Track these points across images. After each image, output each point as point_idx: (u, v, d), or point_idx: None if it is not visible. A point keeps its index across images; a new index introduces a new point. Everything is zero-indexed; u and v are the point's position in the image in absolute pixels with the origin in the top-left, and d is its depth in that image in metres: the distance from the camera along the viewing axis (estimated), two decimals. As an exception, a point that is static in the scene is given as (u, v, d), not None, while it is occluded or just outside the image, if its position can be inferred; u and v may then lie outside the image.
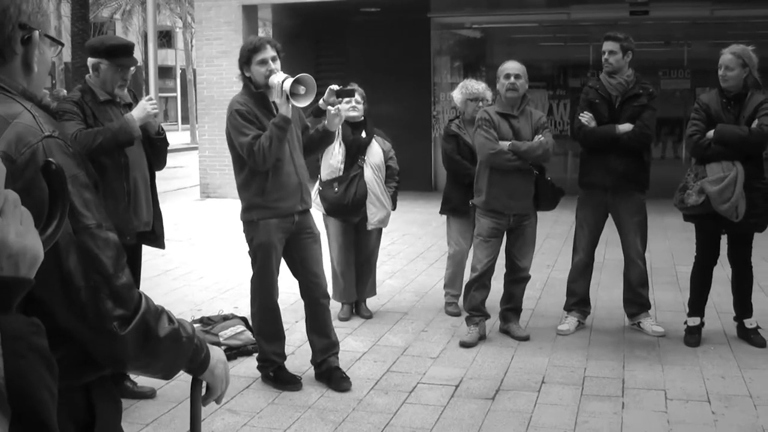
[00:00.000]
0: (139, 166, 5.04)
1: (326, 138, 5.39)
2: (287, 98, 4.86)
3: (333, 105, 5.26)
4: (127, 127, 4.81)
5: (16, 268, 1.26)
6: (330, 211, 6.63)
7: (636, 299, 6.53)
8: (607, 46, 6.29)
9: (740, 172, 5.79)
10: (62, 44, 1.97)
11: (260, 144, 4.89)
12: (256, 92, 5.08)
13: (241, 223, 5.28)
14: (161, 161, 5.30)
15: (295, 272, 5.39)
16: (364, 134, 6.66)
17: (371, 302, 7.21)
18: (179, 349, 1.91)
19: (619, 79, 6.28)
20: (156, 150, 5.20)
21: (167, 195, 15.65)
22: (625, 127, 6.18)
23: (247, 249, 5.27)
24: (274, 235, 5.12)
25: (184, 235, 11.30)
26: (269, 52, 5.02)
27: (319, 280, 5.35)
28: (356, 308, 7.05)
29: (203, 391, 2.10)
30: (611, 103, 6.28)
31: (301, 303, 5.50)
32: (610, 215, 6.49)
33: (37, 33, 1.82)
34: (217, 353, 2.08)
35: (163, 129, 5.23)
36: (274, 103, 5.08)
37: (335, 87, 5.40)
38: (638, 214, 6.41)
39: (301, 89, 4.88)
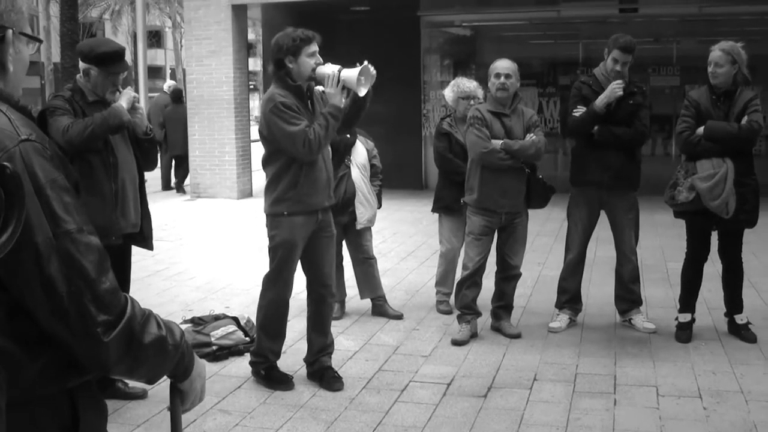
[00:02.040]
0: (128, 167, 5.03)
1: (359, 105, 5.19)
2: (343, 88, 4.93)
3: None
4: (116, 112, 4.82)
5: None
6: None
7: (628, 296, 6.55)
8: (623, 57, 6.20)
9: (730, 169, 5.81)
10: (40, 41, 1.94)
11: (316, 132, 4.88)
12: (294, 85, 5.05)
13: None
14: (151, 162, 5.30)
15: (307, 269, 5.37)
16: (347, 134, 6.65)
17: (358, 301, 7.20)
18: (164, 356, 1.89)
19: (617, 78, 6.25)
20: (144, 151, 5.19)
21: (158, 195, 15.63)
22: (601, 105, 6.13)
23: (268, 244, 5.22)
24: (298, 233, 5.11)
25: (174, 235, 11.27)
26: (317, 46, 5.08)
27: (329, 280, 5.37)
28: (379, 310, 7.01)
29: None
30: None
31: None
32: (602, 212, 6.50)
33: (10, 31, 1.77)
34: (199, 367, 2.06)
35: (151, 129, 5.22)
36: (308, 93, 5.12)
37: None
38: (632, 210, 6.44)
39: (362, 79, 4.95)
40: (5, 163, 1.42)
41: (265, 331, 5.35)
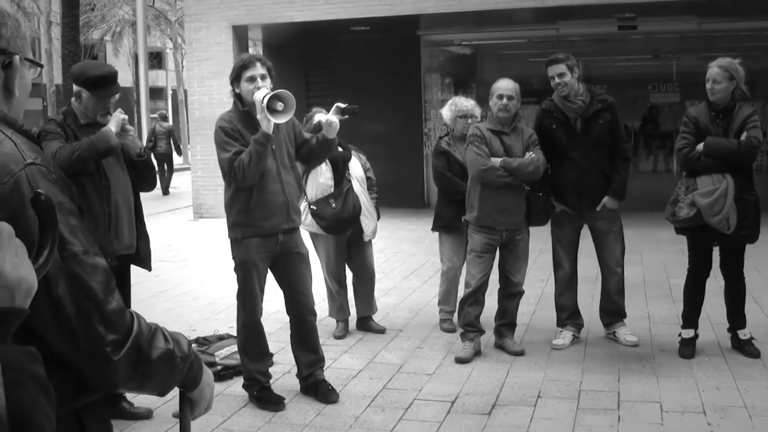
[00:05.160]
0: (121, 189, 5.01)
1: (326, 146, 5.35)
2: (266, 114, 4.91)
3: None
4: (104, 136, 4.79)
5: (12, 299, 1.28)
6: (329, 228, 6.62)
7: (612, 308, 6.59)
8: (554, 70, 6.26)
9: (730, 185, 5.83)
10: (41, 65, 1.97)
11: (240, 160, 4.93)
12: (243, 110, 5.11)
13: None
14: (147, 183, 5.26)
15: (282, 289, 5.43)
16: (340, 149, 6.70)
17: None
18: (173, 368, 1.91)
19: (575, 101, 6.27)
20: (139, 172, 5.16)
21: (160, 216, 15.67)
22: None
23: (233, 266, 5.30)
24: (255, 253, 5.16)
25: (178, 255, 11.29)
26: (258, 70, 5.05)
27: (305, 298, 5.38)
28: (365, 325, 7.09)
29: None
30: (570, 126, 6.29)
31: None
32: (586, 225, 6.54)
33: (17, 57, 1.81)
34: (207, 376, 2.08)
35: (145, 151, 5.21)
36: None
37: (341, 105, 5.50)
38: (615, 224, 6.47)
39: (279, 105, 4.90)
40: (39, 190, 1.45)
41: (246, 353, 5.39)
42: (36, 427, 1.31)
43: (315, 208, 6.59)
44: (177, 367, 1.92)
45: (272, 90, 4.96)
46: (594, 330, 6.85)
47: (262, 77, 5.05)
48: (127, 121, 5.02)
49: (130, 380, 1.82)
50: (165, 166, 20.49)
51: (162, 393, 1.98)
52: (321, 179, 6.61)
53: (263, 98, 4.87)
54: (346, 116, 5.67)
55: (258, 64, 5.08)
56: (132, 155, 5.09)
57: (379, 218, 7.10)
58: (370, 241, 7.00)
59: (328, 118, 5.26)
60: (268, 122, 4.90)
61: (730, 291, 6.27)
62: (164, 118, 20.87)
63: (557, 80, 6.26)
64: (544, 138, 6.34)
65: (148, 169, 5.22)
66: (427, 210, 14.37)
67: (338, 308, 6.96)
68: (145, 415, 5.09)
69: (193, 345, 6.15)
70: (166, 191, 20.62)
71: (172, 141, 20.41)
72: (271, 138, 4.96)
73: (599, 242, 6.53)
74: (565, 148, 6.29)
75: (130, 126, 5.05)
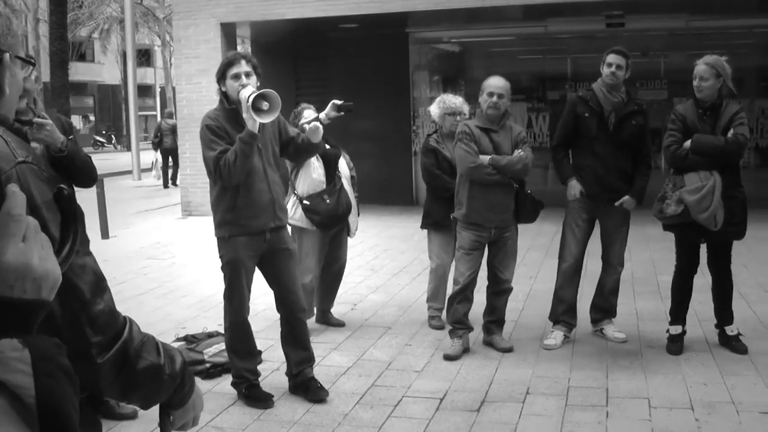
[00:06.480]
0: None
1: (311, 148, 5.45)
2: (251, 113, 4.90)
3: (332, 119, 5.41)
4: None
5: (38, 291, 1.30)
6: (322, 223, 6.64)
7: (604, 305, 6.64)
8: (616, 59, 6.24)
9: (718, 182, 5.85)
10: (33, 64, 1.96)
11: (226, 159, 4.92)
12: (229, 108, 5.10)
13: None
14: (79, 179, 4.81)
15: (272, 286, 5.43)
16: (327, 146, 6.71)
17: (354, 315, 7.24)
18: (158, 384, 1.88)
19: (617, 96, 6.28)
20: (63, 169, 4.61)
21: (149, 213, 15.62)
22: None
23: (220, 265, 5.30)
24: (242, 252, 5.15)
25: (166, 253, 11.27)
26: (243, 67, 5.05)
27: (295, 296, 5.38)
28: (325, 318, 7.16)
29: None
30: (602, 118, 6.30)
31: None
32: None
33: (7, 55, 1.80)
34: (198, 398, 2.06)
35: (66, 145, 4.60)
36: None
37: (337, 102, 5.49)
38: (626, 223, 6.52)
39: (265, 104, 4.88)
40: (63, 186, 1.46)
41: (234, 352, 5.38)
42: (66, 417, 1.33)
43: (308, 203, 6.58)
44: (164, 383, 1.89)
45: (258, 89, 4.95)
46: (582, 327, 6.86)
47: (247, 74, 5.05)
48: (42, 115, 4.52)
49: (113, 386, 1.80)
50: (170, 160, 22.17)
51: (145, 406, 1.96)
52: (314, 175, 6.61)
53: (248, 97, 4.85)
54: (342, 113, 5.68)
55: (243, 62, 5.08)
56: (52, 151, 4.57)
57: (359, 215, 7.16)
58: (348, 238, 7.06)
59: (313, 123, 5.29)
60: (253, 121, 4.88)
61: (718, 287, 6.30)
62: (170, 116, 22.79)
63: (613, 69, 6.23)
64: (571, 125, 6.36)
65: (75, 165, 4.71)
66: (416, 207, 14.38)
67: (309, 305, 6.94)
68: (131, 415, 5.08)
69: (182, 343, 6.18)
70: (167, 185, 22.14)
71: (177, 136, 21.04)
72: (256, 137, 4.94)
73: (607, 239, 6.55)
74: (592, 140, 6.31)
75: (48, 120, 4.53)
